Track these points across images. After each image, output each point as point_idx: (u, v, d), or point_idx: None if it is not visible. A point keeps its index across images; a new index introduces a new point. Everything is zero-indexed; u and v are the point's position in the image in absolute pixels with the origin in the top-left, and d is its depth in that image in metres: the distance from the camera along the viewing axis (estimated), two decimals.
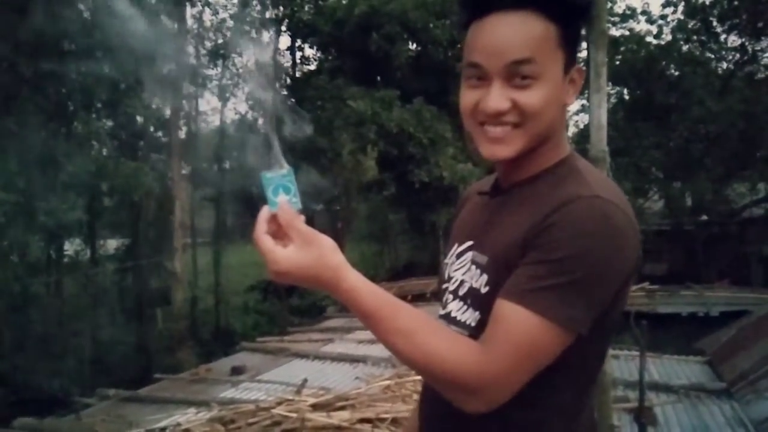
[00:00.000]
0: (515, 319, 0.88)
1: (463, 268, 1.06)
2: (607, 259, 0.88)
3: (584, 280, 0.87)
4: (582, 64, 1.04)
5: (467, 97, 0.99)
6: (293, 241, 0.92)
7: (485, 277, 0.99)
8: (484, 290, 0.99)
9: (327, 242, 0.93)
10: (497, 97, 0.95)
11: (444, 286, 1.12)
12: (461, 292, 1.05)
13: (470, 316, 1.02)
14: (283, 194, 0.93)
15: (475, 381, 0.88)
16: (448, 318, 1.07)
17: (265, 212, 0.94)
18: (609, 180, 1.01)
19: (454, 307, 1.06)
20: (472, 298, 1.02)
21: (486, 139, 0.99)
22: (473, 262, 1.04)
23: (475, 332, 0.99)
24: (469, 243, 1.07)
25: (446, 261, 1.13)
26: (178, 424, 4.80)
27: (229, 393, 5.99)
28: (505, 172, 1.07)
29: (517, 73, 0.94)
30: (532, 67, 0.93)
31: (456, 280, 1.07)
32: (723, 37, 15.95)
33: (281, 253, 0.91)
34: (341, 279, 0.92)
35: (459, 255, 1.09)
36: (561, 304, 0.87)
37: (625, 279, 0.93)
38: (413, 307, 0.95)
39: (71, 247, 14.23)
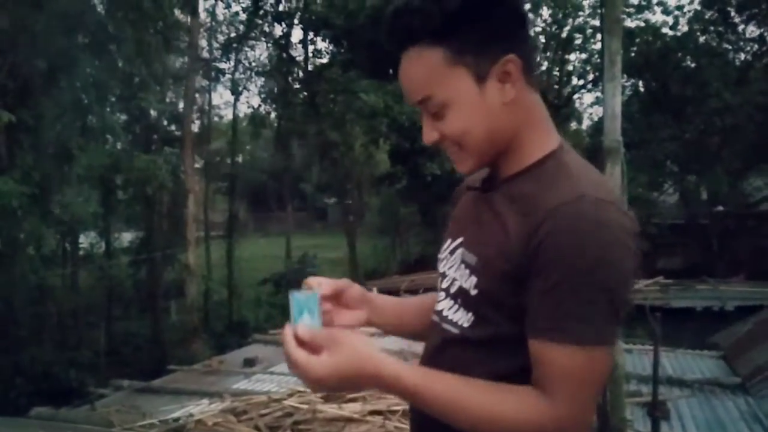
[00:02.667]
0: (563, 359, 0.87)
1: (454, 266, 1.06)
2: (614, 260, 0.87)
3: (602, 288, 0.87)
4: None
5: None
6: (323, 347, 0.91)
7: (474, 279, 0.99)
8: (473, 292, 0.99)
9: (356, 336, 0.93)
10: (426, 132, 1.02)
11: (439, 282, 1.13)
12: (452, 291, 1.05)
13: (462, 317, 1.01)
14: (307, 315, 0.96)
15: (553, 430, 0.89)
16: (440, 316, 1.07)
17: (289, 330, 0.94)
18: (597, 172, 1.00)
19: (446, 306, 1.06)
20: (462, 298, 1.02)
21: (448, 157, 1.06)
22: (463, 260, 1.03)
23: (469, 332, 1.00)
24: (460, 240, 1.07)
25: (440, 256, 1.13)
26: (191, 415, 4.83)
27: (241, 384, 6.02)
28: (491, 169, 1.07)
29: (428, 107, 0.98)
30: (433, 101, 0.97)
31: (449, 278, 1.07)
32: (741, 27, 15.66)
33: (315, 361, 0.90)
34: (381, 368, 0.91)
35: (452, 252, 1.08)
36: (593, 326, 0.87)
37: (635, 272, 0.92)
38: (459, 375, 0.93)
39: (86, 239, 14.39)
